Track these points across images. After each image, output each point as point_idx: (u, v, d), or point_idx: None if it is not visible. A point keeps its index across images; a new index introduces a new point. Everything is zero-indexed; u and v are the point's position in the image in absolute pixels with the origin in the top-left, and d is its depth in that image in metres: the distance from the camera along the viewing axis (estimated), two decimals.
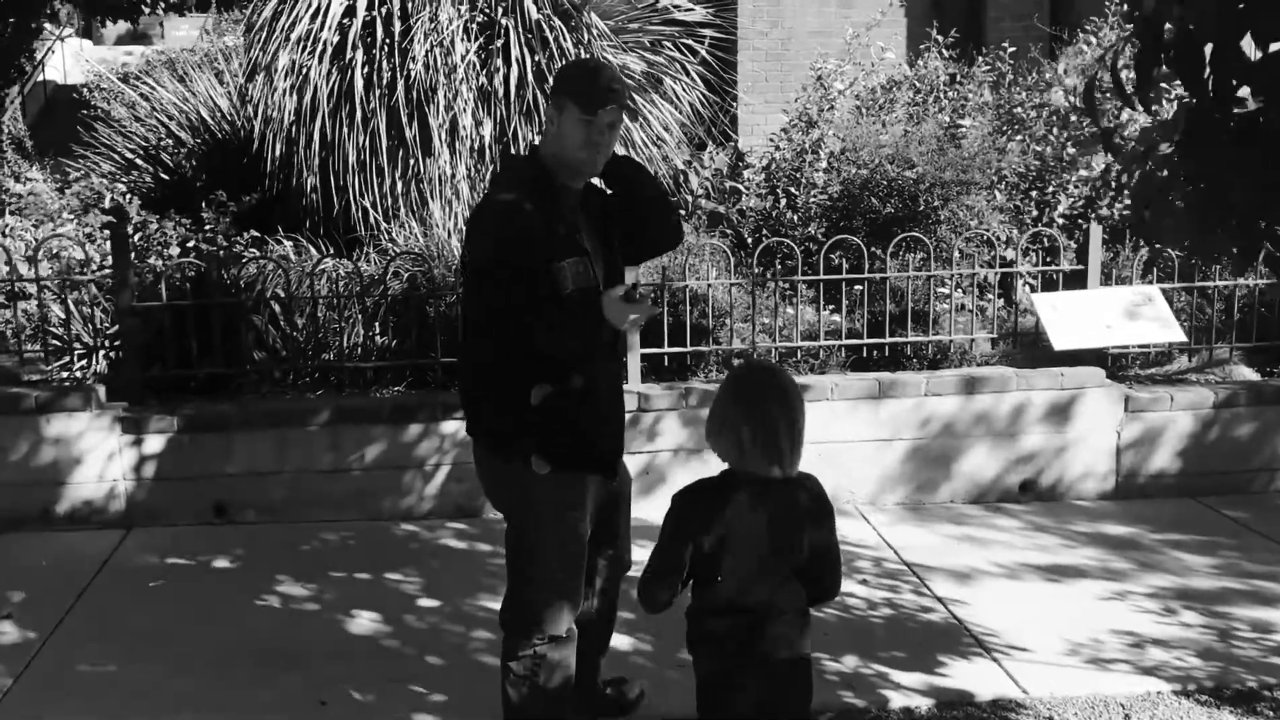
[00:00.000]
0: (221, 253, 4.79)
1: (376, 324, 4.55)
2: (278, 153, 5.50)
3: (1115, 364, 4.78)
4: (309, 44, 5.42)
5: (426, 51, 5.35)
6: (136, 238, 4.98)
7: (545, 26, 5.49)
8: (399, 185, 5.46)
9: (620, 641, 3.18)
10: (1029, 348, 4.80)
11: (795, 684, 2.15)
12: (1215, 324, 4.87)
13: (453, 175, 5.43)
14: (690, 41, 6.21)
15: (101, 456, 4.14)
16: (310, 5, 5.44)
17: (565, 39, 5.49)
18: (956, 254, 4.84)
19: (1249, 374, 4.88)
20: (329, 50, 5.40)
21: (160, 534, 4.10)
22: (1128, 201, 5.32)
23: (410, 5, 5.48)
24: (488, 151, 5.46)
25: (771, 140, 5.98)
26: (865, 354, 4.70)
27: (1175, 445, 4.55)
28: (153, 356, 4.34)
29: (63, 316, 4.48)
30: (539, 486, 2.42)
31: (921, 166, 5.16)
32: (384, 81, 5.41)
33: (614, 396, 2.57)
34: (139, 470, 4.17)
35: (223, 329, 4.32)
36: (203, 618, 3.44)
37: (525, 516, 2.49)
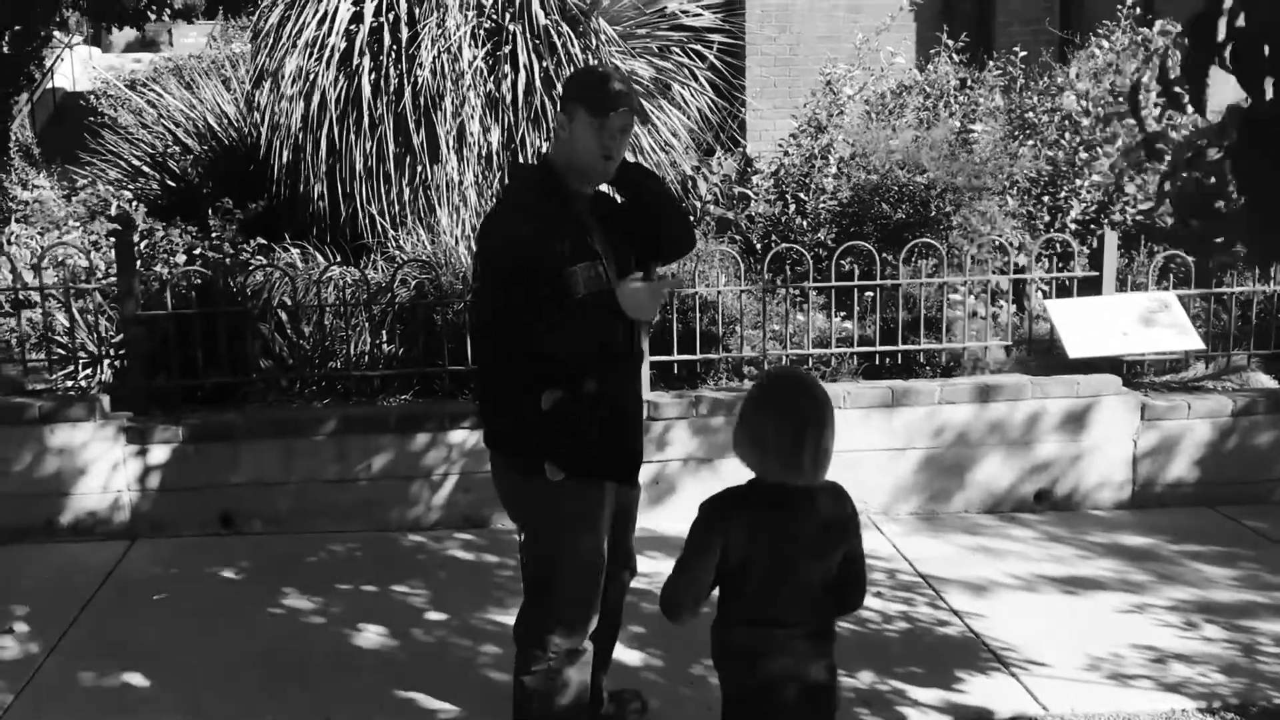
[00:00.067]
0: (228, 260, 4.76)
1: (384, 332, 4.51)
2: (284, 160, 5.48)
3: (1131, 371, 4.72)
4: (316, 50, 5.39)
5: (434, 58, 5.32)
6: (142, 245, 4.96)
7: (553, 32, 5.45)
8: (406, 192, 5.43)
9: (631, 656, 3.13)
10: (1043, 355, 4.74)
11: (824, 700, 2.10)
12: (1232, 330, 4.81)
13: (460, 182, 5.40)
14: (698, 47, 6.17)
15: (106, 467, 4.10)
16: (317, 11, 5.42)
17: (573, 44, 5.46)
18: (969, 260, 4.78)
19: (1267, 381, 4.81)
20: (336, 56, 5.38)
21: (165, 545, 4.07)
22: (1144, 206, 5.27)
23: (417, 11, 5.45)
24: (495, 158, 5.43)
25: (780, 146, 5.93)
26: (877, 361, 4.64)
27: (1193, 454, 4.48)
28: (158, 365, 4.31)
29: (67, 325, 4.45)
30: (557, 496, 2.39)
31: (933, 172, 5.11)
32: (391, 88, 5.38)
33: (632, 400, 2.53)
34: (144, 481, 4.13)
35: (229, 337, 4.29)
36: (207, 630, 3.40)
37: (544, 527, 2.45)
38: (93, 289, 4.53)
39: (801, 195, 5.52)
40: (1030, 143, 5.53)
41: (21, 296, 4.55)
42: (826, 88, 5.85)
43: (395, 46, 5.40)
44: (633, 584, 2.77)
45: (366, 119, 5.34)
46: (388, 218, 5.41)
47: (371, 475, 4.20)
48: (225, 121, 6.66)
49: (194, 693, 3.04)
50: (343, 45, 5.40)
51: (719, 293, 4.62)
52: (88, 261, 4.75)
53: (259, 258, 4.94)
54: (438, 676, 3.11)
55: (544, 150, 5.40)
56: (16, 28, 7.79)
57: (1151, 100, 5.66)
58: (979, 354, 4.70)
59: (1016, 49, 6.17)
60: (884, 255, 4.74)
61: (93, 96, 11.09)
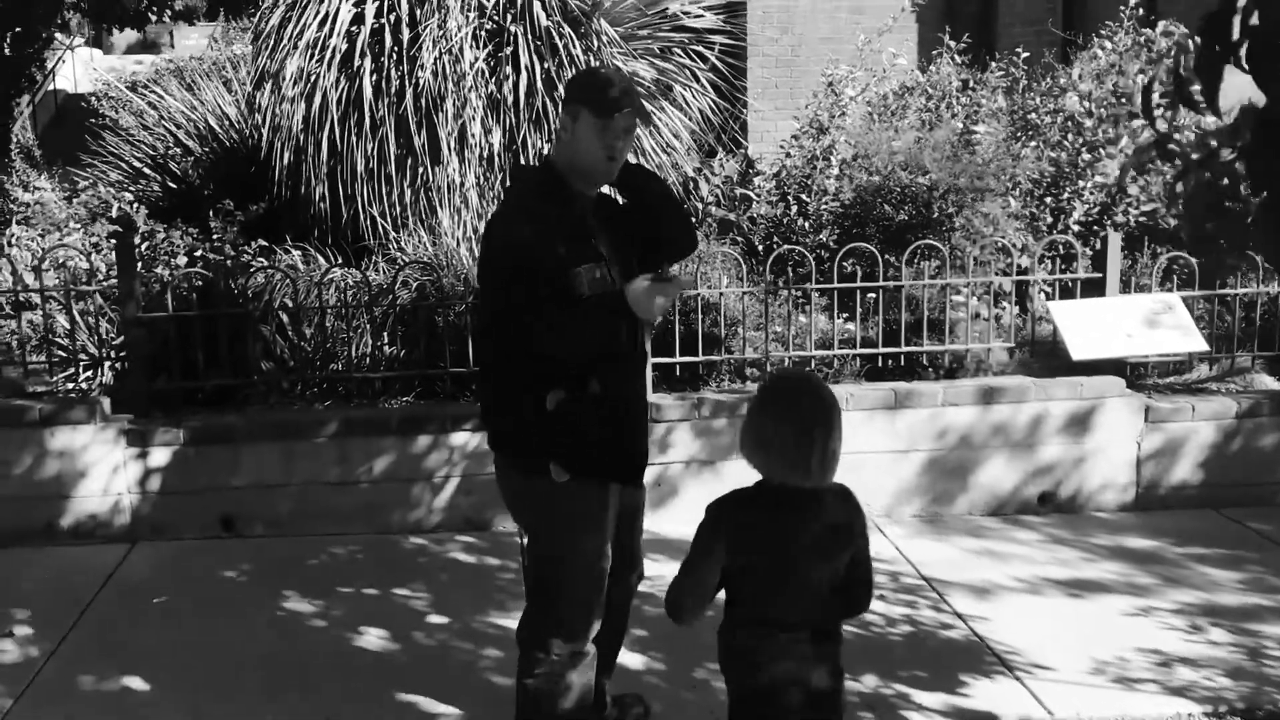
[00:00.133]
0: (229, 262, 4.75)
1: (385, 334, 4.50)
2: (286, 161, 5.47)
3: (1134, 373, 4.70)
4: (317, 52, 5.38)
5: (435, 59, 5.31)
6: (143, 247, 4.95)
7: (555, 33, 5.44)
8: (408, 194, 5.42)
9: (633, 660, 3.12)
10: (1046, 357, 4.72)
11: (829, 704, 2.09)
12: (1236, 332, 4.79)
13: (462, 184, 5.39)
14: (700, 48, 6.16)
15: (106, 470, 4.09)
16: (318, 13, 5.41)
17: (575, 46, 5.45)
18: (972, 261, 4.76)
19: (1271, 383, 4.80)
20: (337, 58, 5.37)
21: (165, 548, 4.05)
22: (1147, 207, 5.25)
23: (419, 13, 5.44)
24: (497, 160, 5.42)
25: (782, 147, 5.92)
26: (880, 363, 4.62)
27: (1197, 456, 4.46)
28: (159, 368, 4.30)
29: (68, 327, 4.44)
30: (561, 497, 2.38)
31: (935, 173, 5.10)
32: (392, 89, 5.36)
33: (636, 400, 2.52)
34: (144, 483, 4.12)
35: (230, 339, 4.27)
36: (208, 634, 3.38)
37: (547, 528, 2.44)
38: (93, 291, 4.52)
39: (803, 197, 5.50)
40: (1033, 144, 5.51)
41: (22, 298, 4.54)
42: (828, 89, 5.84)
43: (396, 48, 5.39)
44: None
45: (368, 120, 5.33)
46: (389, 219, 5.39)
47: (373, 478, 4.19)
48: (226, 123, 6.65)
49: (194, 696, 3.02)
50: (344, 47, 5.39)
51: (721, 294, 4.60)
52: (88, 263, 4.74)
53: (260, 259, 4.93)
54: (439, 680, 3.09)
55: (545, 152, 5.39)
56: (17, 29, 7.79)
57: (1154, 101, 5.68)
58: (982, 356, 4.68)
59: (1019, 50, 6.15)
60: (886, 257, 4.72)
61: (94, 98, 11.10)
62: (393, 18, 5.43)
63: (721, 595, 2.14)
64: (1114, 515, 4.40)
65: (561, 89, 5.32)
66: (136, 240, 4.61)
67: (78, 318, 4.46)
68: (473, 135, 5.36)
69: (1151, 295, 4.63)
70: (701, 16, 6.26)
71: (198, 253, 4.93)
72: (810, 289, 4.61)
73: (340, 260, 5.10)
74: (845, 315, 4.78)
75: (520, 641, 2.50)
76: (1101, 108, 5.49)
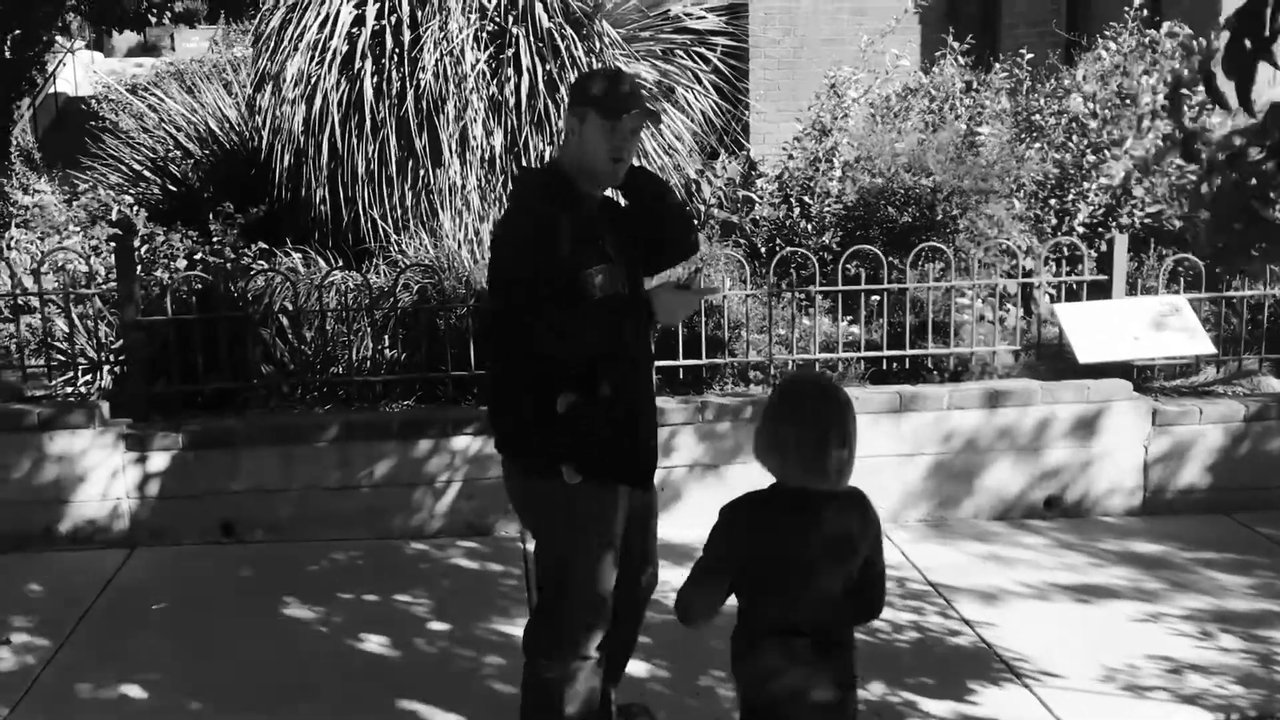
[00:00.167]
0: (229, 265, 4.72)
1: (386, 337, 4.47)
2: (286, 163, 5.44)
3: (1140, 375, 4.66)
4: (317, 53, 5.36)
5: (436, 60, 5.29)
6: (143, 250, 4.92)
7: (557, 35, 5.42)
8: (409, 196, 5.39)
9: (637, 668, 3.08)
10: (1051, 360, 4.69)
11: (840, 710, 2.06)
12: (1243, 334, 4.76)
13: (463, 186, 5.36)
14: (702, 50, 6.13)
15: (105, 474, 4.06)
16: (319, 14, 5.39)
17: (577, 47, 5.42)
18: (976, 264, 4.73)
19: (1278, 386, 4.76)
20: (338, 59, 5.34)
21: (165, 554, 4.02)
22: (1152, 209, 5.22)
23: (420, 14, 5.42)
24: (498, 162, 5.39)
25: (784, 149, 5.89)
26: (884, 366, 4.59)
27: (1205, 460, 4.43)
28: (158, 371, 4.27)
29: (67, 330, 4.41)
30: (572, 499, 2.35)
31: (939, 175, 5.07)
32: (393, 91, 5.34)
33: (646, 403, 2.50)
34: (143, 488, 4.08)
35: (229, 343, 4.24)
36: (207, 641, 3.35)
37: (557, 531, 2.42)
38: (93, 294, 4.49)
39: (806, 199, 5.47)
40: (1037, 145, 5.48)
41: (21, 302, 4.51)
42: (831, 90, 5.80)
43: (397, 49, 5.36)
44: None
45: (369, 122, 5.31)
46: (390, 222, 5.37)
47: (374, 482, 4.16)
48: (227, 125, 6.63)
49: (193, 704, 2.99)
50: (344, 48, 5.37)
51: (724, 297, 4.57)
52: (88, 266, 4.71)
53: (260, 262, 4.91)
54: (441, 687, 3.06)
55: (547, 153, 5.37)
56: (18, 32, 7.78)
57: (1158, 102, 5.64)
58: (987, 359, 4.65)
59: (1022, 51, 6.12)
60: (890, 259, 4.69)
61: (94, 101, 11.09)
62: (394, 19, 5.41)
63: (733, 600, 2.11)
64: (1121, 520, 4.36)
65: (564, 91, 5.30)
66: (136, 243, 4.59)
67: (77, 321, 4.43)
68: (474, 137, 5.33)
69: (1158, 297, 4.60)
70: (703, 18, 6.24)
71: (197, 256, 4.90)
72: (814, 291, 4.57)
73: (341, 263, 5.07)
74: (849, 318, 4.75)
75: (527, 647, 2.47)
76: (1106, 109, 5.46)
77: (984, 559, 3.96)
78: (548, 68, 5.39)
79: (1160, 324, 4.46)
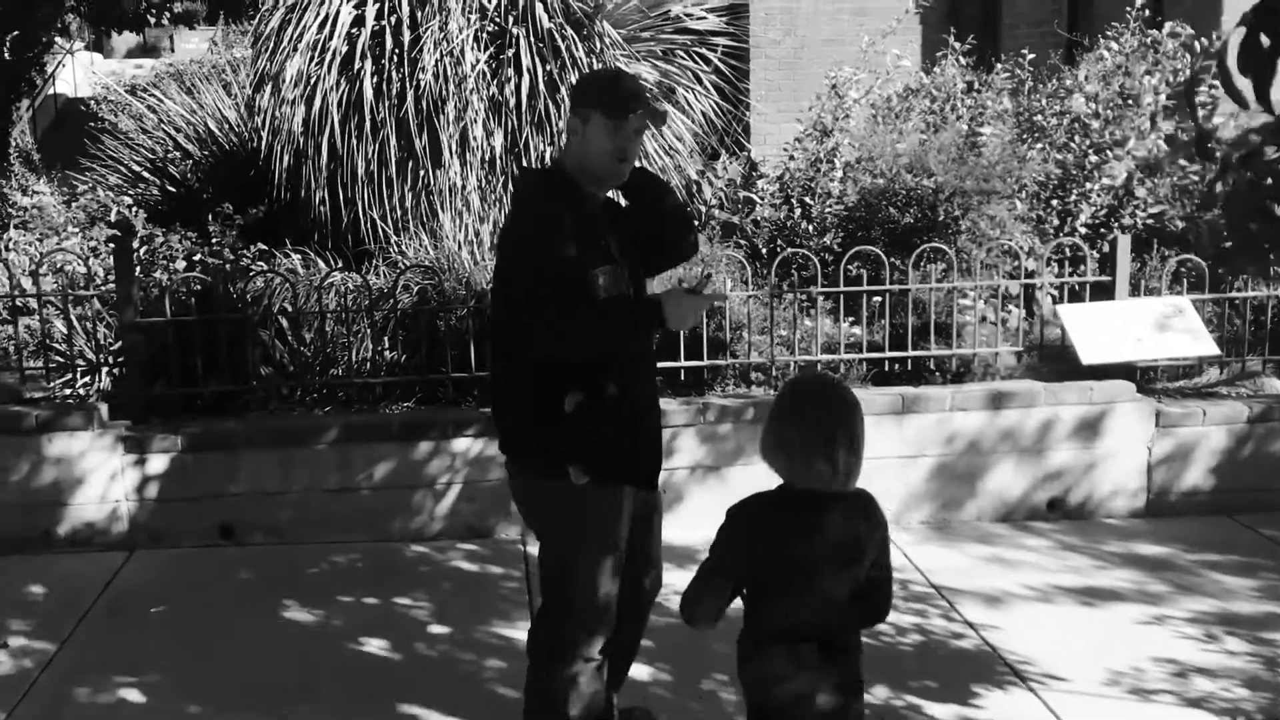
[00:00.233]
0: (228, 266, 4.70)
1: (386, 338, 4.45)
2: (285, 164, 5.42)
3: (1144, 377, 4.65)
4: (317, 54, 5.34)
5: (436, 61, 5.27)
6: (142, 251, 4.90)
7: (557, 35, 5.40)
8: (409, 197, 5.37)
9: (640, 671, 3.06)
10: (1054, 361, 4.67)
11: (849, 714, 2.04)
12: (1246, 336, 4.74)
13: (463, 187, 5.34)
14: (703, 50, 6.12)
15: (104, 477, 4.04)
16: (318, 15, 5.37)
17: (577, 48, 5.40)
18: (978, 265, 4.71)
19: None
20: (337, 60, 5.32)
21: (164, 556, 4.00)
22: (1155, 209, 5.20)
23: (420, 15, 5.40)
24: (499, 162, 5.37)
25: (785, 149, 5.87)
26: (887, 368, 4.57)
27: (1208, 461, 4.41)
28: (157, 373, 4.25)
29: (65, 332, 4.39)
30: (577, 500, 2.34)
31: (940, 175, 5.05)
32: (393, 92, 5.32)
33: (651, 403, 2.50)
34: (142, 491, 4.07)
35: (229, 344, 4.22)
36: (206, 644, 3.33)
37: (561, 531, 2.40)
38: (91, 295, 4.48)
39: (807, 199, 5.45)
40: (1039, 146, 5.46)
41: (19, 303, 4.49)
42: (832, 91, 5.79)
43: (397, 50, 5.35)
44: None
45: (368, 123, 5.29)
46: (390, 223, 5.35)
47: (373, 485, 4.14)
48: (226, 126, 6.62)
49: (192, 708, 2.97)
50: (344, 49, 5.35)
51: (725, 298, 4.55)
52: (86, 268, 4.69)
53: (259, 263, 4.89)
54: (442, 690, 3.04)
55: (547, 154, 5.35)
56: (17, 33, 7.76)
57: (1160, 102, 5.62)
58: (989, 360, 4.63)
59: (1024, 51, 6.11)
60: (892, 260, 4.67)
61: (94, 102, 11.07)
62: (393, 20, 5.39)
63: (738, 604, 2.09)
64: (1125, 521, 4.34)
65: (564, 91, 5.28)
66: (135, 244, 4.57)
67: (75, 323, 4.41)
68: (474, 138, 5.31)
69: (1161, 299, 4.58)
70: (704, 19, 6.22)
71: (196, 257, 4.88)
72: (815, 292, 4.56)
73: (340, 264, 5.05)
74: (851, 319, 4.73)
75: (531, 650, 2.46)
76: (1108, 109, 5.45)
77: (987, 561, 3.94)
78: (548, 68, 5.37)
79: (1163, 325, 4.44)
